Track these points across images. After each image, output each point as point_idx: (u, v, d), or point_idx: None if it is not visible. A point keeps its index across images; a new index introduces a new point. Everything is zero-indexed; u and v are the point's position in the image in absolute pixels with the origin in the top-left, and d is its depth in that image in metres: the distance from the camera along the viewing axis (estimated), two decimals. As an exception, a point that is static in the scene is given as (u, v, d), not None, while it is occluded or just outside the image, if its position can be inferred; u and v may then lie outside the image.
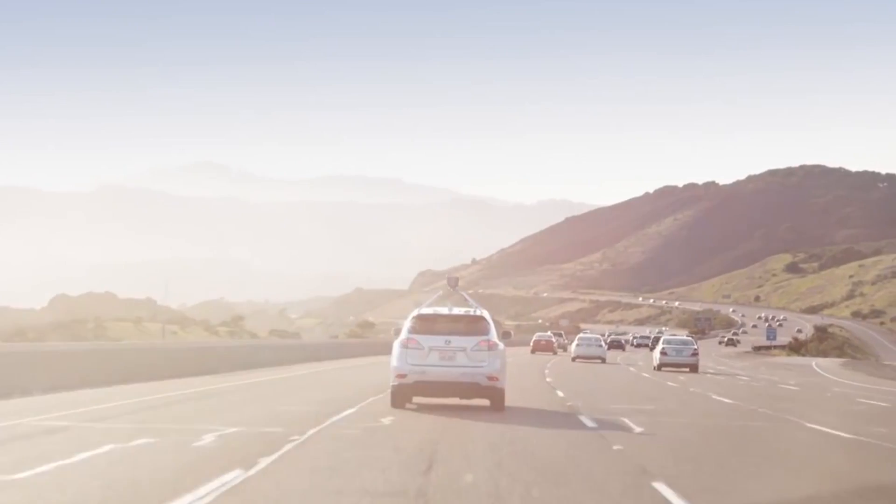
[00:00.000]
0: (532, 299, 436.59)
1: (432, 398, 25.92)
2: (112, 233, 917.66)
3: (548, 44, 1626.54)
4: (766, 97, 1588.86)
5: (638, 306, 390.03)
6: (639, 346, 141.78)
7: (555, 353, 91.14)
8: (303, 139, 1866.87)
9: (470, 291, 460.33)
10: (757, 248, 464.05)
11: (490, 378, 24.75)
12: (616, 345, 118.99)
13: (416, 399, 25.90)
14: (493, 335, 25.14)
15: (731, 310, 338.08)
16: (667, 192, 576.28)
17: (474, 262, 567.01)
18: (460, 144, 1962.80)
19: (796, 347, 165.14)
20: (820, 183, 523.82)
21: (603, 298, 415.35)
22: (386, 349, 37.32)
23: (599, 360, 72.42)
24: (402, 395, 25.22)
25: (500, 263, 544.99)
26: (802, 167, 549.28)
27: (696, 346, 63.14)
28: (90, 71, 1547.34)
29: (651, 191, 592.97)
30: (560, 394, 34.55)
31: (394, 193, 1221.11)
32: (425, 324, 25.15)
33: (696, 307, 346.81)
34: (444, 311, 25.83)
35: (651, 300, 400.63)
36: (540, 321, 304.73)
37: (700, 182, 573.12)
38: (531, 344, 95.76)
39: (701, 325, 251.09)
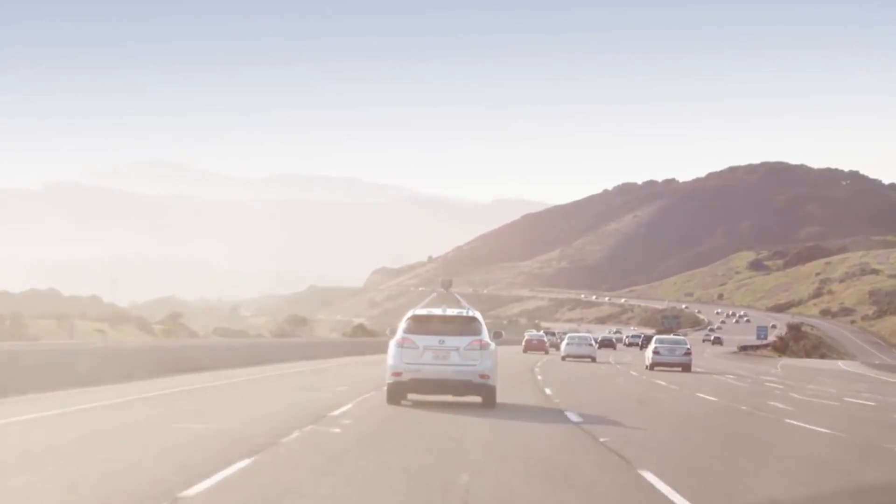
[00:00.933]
0: (489, 297, 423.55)
1: (427, 395, 26.54)
2: (63, 230, 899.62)
3: (504, 44, 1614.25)
4: (726, 94, 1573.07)
5: (598, 304, 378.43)
6: (630, 345, 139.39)
7: (546, 353, 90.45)
8: (261, 138, 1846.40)
9: (422, 289, 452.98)
10: (718, 245, 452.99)
11: (482, 376, 25.54)
12: (607, 343, 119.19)
13: (411, 396, 26.56)
14: (485, 335, 26.01)
15: (696, 309, 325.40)
16: (626, 189, 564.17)
17: (431, 259, 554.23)
18: (418, 144, 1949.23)
19: (781, 347, 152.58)
20: (782, 180, 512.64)
21: (562, 296, 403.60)
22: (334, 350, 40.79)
23: (589, 359, 71.76)
24: (397, 393, 25.97)
25: (456, 261, 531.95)
26: (764, 164, 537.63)
27: (688, 346, 62.01)
28: (43, 69, 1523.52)
29: (610, 188, 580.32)
30: (548, 391, 35.09)
31: (351, 192, 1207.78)
32: (420, 324, 25.96)
33: (659, 305, 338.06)
34: (438, 311, 26.65)
35: (609, 298, 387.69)
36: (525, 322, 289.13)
37: (660, 179, 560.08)
38: (523, 343, 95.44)
39: (668, 324, 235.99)
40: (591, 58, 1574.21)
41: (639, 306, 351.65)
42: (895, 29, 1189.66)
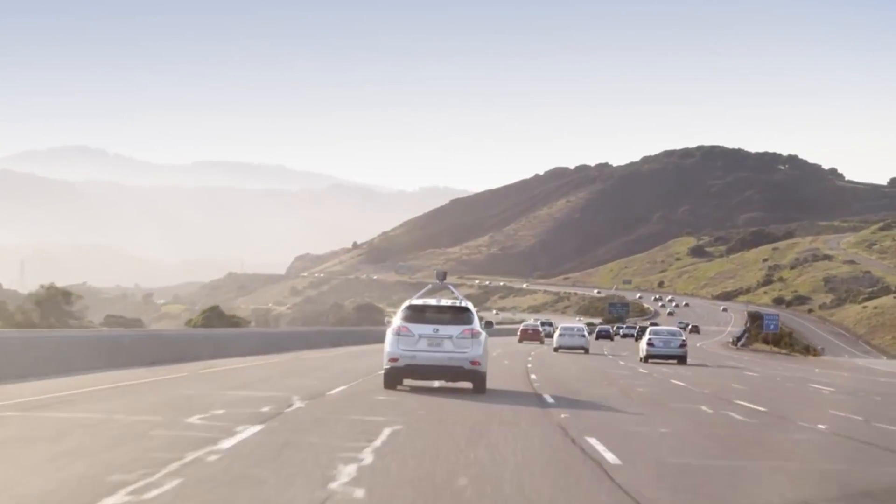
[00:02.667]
0: (415, 285, 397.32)
1: (421, 380, 27.70)
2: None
3: (430, 29, 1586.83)
4: (659, 78, 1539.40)
5: (532, 292, 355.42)
6: (625, 336, 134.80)
7: (541, 342, 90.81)
8: (185, 125, 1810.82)
9: (351, 277, 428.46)
10: (655, 231, 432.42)
11: (472, 363, 26.46)
12: (604, 335, 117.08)
13: (407, 381, 27.54)
14: (476, 325, 26.86)
15: (636, 296, 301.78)
16: (558, 174, 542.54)
17: (355, 245, 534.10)
18: (344, 133, 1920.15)
19: (774, 340, 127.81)
20: (718, 164, 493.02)
21: (492, 284, 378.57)
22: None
23: (582, 351, 70.92)
24: (394, 378, 26.83)
25: (382, 247, 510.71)
26: (700, 148, 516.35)
27: (684, 337, 60.91)
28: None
29: (541, 172, 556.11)
30: (533, 376, 37.45)
31: (275, 179, 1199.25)
32: (416, 313, 26.84)
33: (597, 293, 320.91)
34: (432, 302, 27.41)
35: (544, 286, 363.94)
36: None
37: (593, 164, 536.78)
38: (518, 333, 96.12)
39: (616, 312, 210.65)
40: (520, 42, 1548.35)
41: (575, 294, 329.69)
42: (833, 13, 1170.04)
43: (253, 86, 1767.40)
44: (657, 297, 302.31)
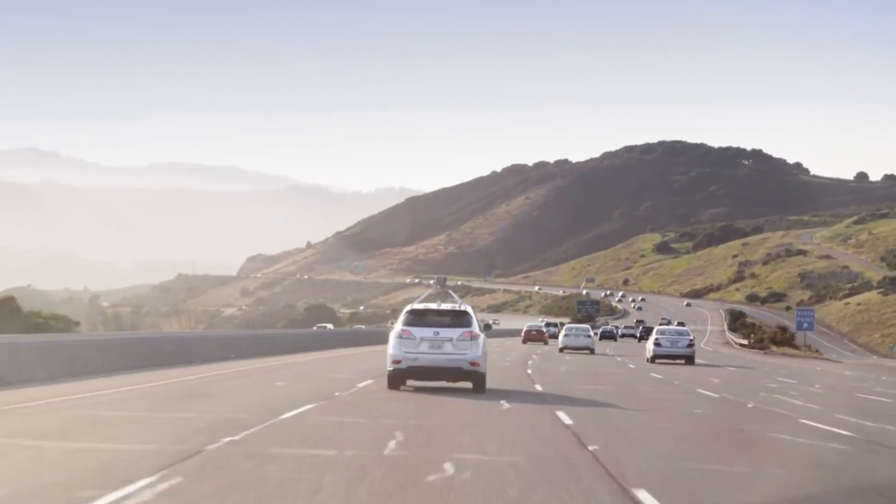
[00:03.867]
0: (371, 285, 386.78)
1: (423, 381, 28.18)
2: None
3: (382, 30, 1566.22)
4: (618, 73, 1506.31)
5: (492, 291, 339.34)
6: (623, 336, 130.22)
7: (546, 343, 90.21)
8: (138, 127, 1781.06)
9: (305, 277, 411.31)
10: (617, 228, 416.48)
11: (472, 364, 27.27)
12: (608, 335, 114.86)
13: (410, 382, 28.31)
14: (476, 327, 27.62)
15: (601, 294, 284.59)
16: (516, 171, 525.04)
17: (309, 245, 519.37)
18: (299, 134, 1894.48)
19: (784, 341, 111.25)
20: (681, 160, 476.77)
21: (450, 283, 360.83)
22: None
23: (588, 351, 69.58)
24: (397, 379, 27.60)
25: (337, 247, 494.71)
26: (661, 143, 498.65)
27: (691, 337, 60.13)
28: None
29: (499, 169, 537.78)
30: (530, 373, 39.44)
31: (229, 181, 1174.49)
32: (417, 317, 27.68)
33: (560, 292, 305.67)
34: (433, 306, 28.56)
35: (503, 285, 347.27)
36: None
37: (552, 160, 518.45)
38: (522, 334, 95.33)
39: (586, 311, 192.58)
40: (477, 37, 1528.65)
41: (537, 293, 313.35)
42: (795, 7, 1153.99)
43: (210, 88, 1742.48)
44: (607, 292, 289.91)
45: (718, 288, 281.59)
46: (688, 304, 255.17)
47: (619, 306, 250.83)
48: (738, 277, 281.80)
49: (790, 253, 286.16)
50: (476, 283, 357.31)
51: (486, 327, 30.10)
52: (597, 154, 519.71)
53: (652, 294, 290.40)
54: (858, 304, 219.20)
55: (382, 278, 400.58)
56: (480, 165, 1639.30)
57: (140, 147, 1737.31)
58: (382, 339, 32.03)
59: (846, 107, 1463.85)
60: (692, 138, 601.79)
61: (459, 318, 27.61)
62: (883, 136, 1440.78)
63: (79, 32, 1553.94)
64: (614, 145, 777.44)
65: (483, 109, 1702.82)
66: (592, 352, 69.88)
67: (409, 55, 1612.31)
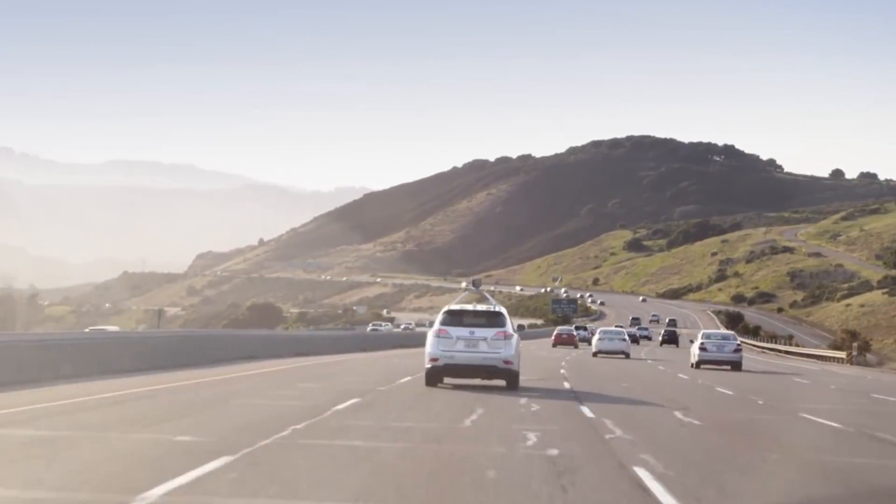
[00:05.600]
0: (325, 283, 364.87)
1: (459, 379, 29.23)
2: None
3: (340, 31, 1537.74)
4: (583, 66, 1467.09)
5: (452, 291, 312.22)
6: (636, 339, 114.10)
7: (576, 347, 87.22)
8: (95, 125, 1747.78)
9: (255, 275, 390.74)
10: (584, 225, 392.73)
11: (506, 362, 28.07)
12: (632, 339, 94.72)
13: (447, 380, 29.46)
14: (509, 327, 28.57)
15: (578, 294, 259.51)
16: (478, 166, 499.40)
17: (262, 242, 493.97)
18: (258, 133, 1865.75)
19: (841, 345, 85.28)
20: (650, 155, 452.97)
21: (408, 282, 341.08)
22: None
23: (623, 356, 66.02)
24: (434, 376, 28.74)
25: (290, 244, 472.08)
26: (629, 138, 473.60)
27: (738, 342, 57.09)
28: None
29: (460, 165, 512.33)
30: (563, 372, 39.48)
31: (186, 179, 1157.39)
32: (454, 317, 28.69)
33: (527, 292, 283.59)
34: (469, 307, 29.92)
35: (465, 284, 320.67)
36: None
37: (514, 155, 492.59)
38: (553, 337, 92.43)
39: (562, 311, 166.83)
40: (436, 34, 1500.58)
41: (500, 293, 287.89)
42: (763, 3, 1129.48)
43: (170, 87, 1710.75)
44: (564, 291, 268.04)
45: (699, 288, 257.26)
46: (643, 300, 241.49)
47: (594, 307, 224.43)
48: (721, 276, 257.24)
49: (776, 250, 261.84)
50: (435, 283, 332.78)
51: (520, 328, 38.26)
52: (562, 149, 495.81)
53: (611, 294, 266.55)
54: (862, 306, 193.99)
55: (337, 277, 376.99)
56: (442, 163, 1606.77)
57: (96, 145, 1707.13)
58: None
59: (819, 104, 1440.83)
60: (661, 133, 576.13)
61: (494, 319, 28.57)
62: (856, 134, 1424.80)
63: (37, 30, 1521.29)
64: (580, 140, 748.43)
65: (446, 106, 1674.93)
66: (628, 356, 66.19)
67: (369, 54, 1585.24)
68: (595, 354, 66.52)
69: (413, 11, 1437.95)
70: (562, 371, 39.39)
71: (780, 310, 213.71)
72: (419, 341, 77.47)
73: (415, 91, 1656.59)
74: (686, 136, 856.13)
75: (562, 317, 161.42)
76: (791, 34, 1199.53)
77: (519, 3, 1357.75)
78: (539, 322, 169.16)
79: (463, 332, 28.02)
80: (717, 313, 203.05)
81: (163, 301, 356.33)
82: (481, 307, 29.66)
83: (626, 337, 70.61)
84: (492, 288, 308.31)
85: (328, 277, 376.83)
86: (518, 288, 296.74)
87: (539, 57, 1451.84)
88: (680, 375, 43.90)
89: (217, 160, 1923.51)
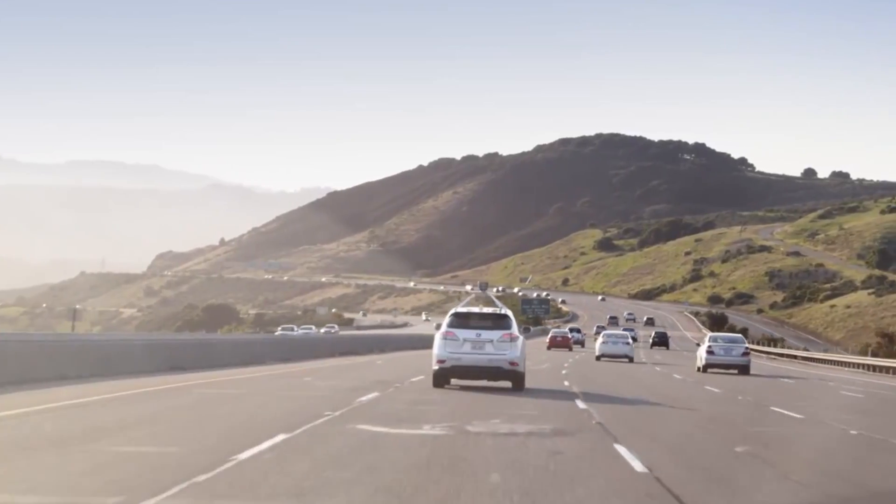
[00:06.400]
0: (286, 284, 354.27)
1: (465, 380, 29.25)
2: None
3: (307, 30, 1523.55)
4: (550, 62, 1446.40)
5: (416, 291, 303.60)
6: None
7: (570, 349, 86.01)
8: (58, 125, 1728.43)
9: (215, 276, 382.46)
10: (552, 224, 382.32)
11: (511, 364, 28.14)
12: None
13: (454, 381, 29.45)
14: (515, 329, 28.61)
15: (544, 293, 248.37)
16: (443, 165, 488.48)
17: (223, 242, 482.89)
18: (224, 134, 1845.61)
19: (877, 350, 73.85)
20: (619, 153, 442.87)
21: (371, 282, 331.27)
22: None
23: (626, 360, 64.30)
24: (442, 377, 28.77)
25: (252, 244, 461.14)
26: (598, 136, 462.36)
27: (746, 345, 55.66)
28: None
29: (425, 163, 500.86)
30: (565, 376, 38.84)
31: (150, 180, 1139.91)
32: (461, 320, 28.79)
33: (494, 293, 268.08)
34: (475, 309, 30.72)
35: (430, 285, 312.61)
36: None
37: (481, 154, 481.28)
38: (548, 340, 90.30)
39: (533, 312, 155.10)
40: (401, 31, 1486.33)
41: (466, 293, 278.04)
42: (734, 1, 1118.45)
43: (135, 86, 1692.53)
44: (517, 290, 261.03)
45: (673, 288, 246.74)
46: (602, 299, 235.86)
47: (568, 309, 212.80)
48: (695, 276, 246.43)
49: (752, 250, 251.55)
50: (400, 283, 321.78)
51: (526, 330, 32.95)
52: (529, 147, 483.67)
53: (573, 294, 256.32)
54: (847, 307, 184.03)
55: (299, 277, 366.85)
56: (407, 162, 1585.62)
57: (59, 145, 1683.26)
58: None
59: (790, 104, 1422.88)
60: (630, 131, 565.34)
61: (500, 321, 28.66)
62: (827, 134, 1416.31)
63: (1, 29, 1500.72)
64: (548, 138, 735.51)
65: (412, 105, 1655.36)
66: (631, 360, 65.20)
67: (336, 54, 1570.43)
68: (598, 358, 64.48)
69: (374, 10, 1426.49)
70: (566, 384, 34.73)
71: (759, 311, 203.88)
72: (367, 346, 65.96)
73: (381, 91, 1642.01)
74: (656, 134, 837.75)
75: (532, 318, 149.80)
76: (759, 34, 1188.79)
77: (484, 2, 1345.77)
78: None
79: (469, 334, 28.26)
80: (696, 314, 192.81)
81: (120, 302, 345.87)
82: (487, 310, 30.24)
83: (630, 341, 68.72)
84: (459, 288, 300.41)
85: (288, 278, 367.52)
86: (496, 289, 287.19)
87: (505, 54, 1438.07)
88: (709, 388, 37.19)
89: (182, 161, 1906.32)
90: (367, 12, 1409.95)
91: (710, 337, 56.36)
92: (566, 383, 34.59)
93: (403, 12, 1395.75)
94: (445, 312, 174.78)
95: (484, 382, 29.24)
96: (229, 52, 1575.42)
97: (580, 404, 24.73)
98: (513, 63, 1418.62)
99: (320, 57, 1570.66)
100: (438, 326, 30.58)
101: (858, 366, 74.38)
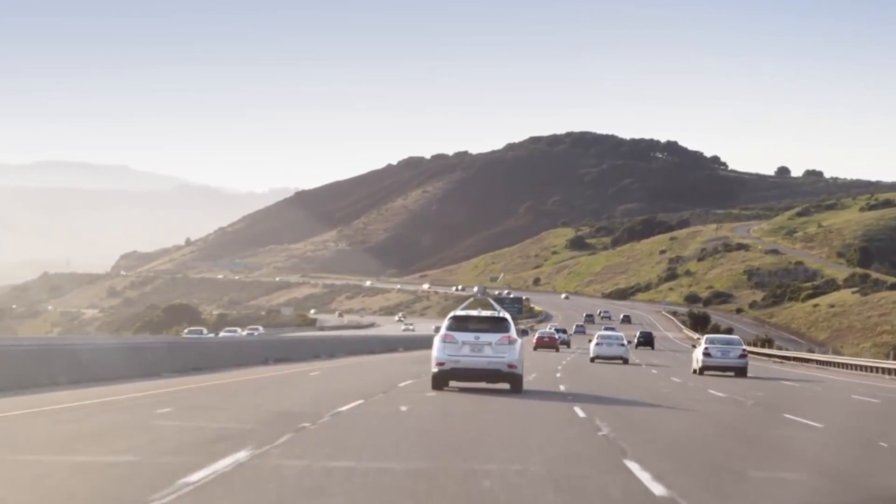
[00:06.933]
0: (252, 284, 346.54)
1: (464, 382, 29.14)
2: None
3: (273, 31, 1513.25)
4: (520, 60, 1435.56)
5: (385, 291, 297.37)
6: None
7: (557, 350, 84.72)
8: (26, 125, 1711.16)
9: (179, 276, 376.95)
10: (523, 224, 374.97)
11: (510, 366, 28.27)
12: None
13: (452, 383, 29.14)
14: (513, 332, 28.71)
15: (496, 292, 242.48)
16: (413, 164, 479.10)
17: (189, 242, 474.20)
18: (193, 135, 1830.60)
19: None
20: (591, 152, 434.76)
21: (339, 282, 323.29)
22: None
23: (621, 361, 62.97)
24: (441, 380, 28.79)
25: (218, 244, 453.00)
26: (569, 134, 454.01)
27: (744, 347, 53.65)
28: None
29: (395, 162, 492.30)
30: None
31: (118, 180, 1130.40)
32: (459, 323, 28.80)
33: (458, 289, 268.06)
34: (474, 313, 30.03)
35: (399, 284, 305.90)
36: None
37: (451, 153, 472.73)
38: (534, 340, 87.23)
39: (507, 311, 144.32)
40: (368, 29, 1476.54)
41: (436, 293, 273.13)
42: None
43: (104, 88, 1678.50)
44: (477, 288, 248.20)
45: (648, 287, 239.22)
46: (566, 297, 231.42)
47: (541, 308, 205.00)
48: (671, 275, 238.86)
49: (729, 248, 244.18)
50: (368, 283, 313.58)
51: (523, 333, 33.29)
52: (500, 145, 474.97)
53: (542, 293, 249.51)
54: (832, 307, 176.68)
55: (265, 277, 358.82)
56: (378, 162, 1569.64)
57: (27, 146, 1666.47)
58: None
59: (763, 103, 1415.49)
60: (601, 129, 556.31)
61: (498, 324, 28.69)
62: (799, 133, 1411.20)
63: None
64: (519, 136, 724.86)
65: (382, 105, 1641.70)
66: (626, 361, 63.00)
67: (305, 55, 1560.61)
68: (593, 360, 63.18)
69: (339, 9, 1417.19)
70: (561, 387, 33.34)
71: (738, 310, 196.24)
72: (312, 350, 56.58)
73: (352, 90, 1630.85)
74: (627, 132, 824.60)
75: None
76: (730, 33, 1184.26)
77: (452, 2, 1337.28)
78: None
79: (468, 336, 28.17)
80: (674, 314, 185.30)
81: (82, 303, 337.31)
82: (486, 313, 29.96)
83: (625, 342, 66.78)
84: (439, 290, 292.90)
85: (254, 278, 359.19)
86: (455, 288, 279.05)
87: (476, 54, 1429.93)
88: (712, 391, 35.47)
89: (152, 162, 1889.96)
90: (330, 11, 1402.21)
91: (707, 338, 55.34)
92: (562, 387, 33.16)
93: (370, 13, 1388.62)
94: (415, 312, 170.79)
95: (482, 384, 29.05)
96: (203, 54, 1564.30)
97: (579, 412, 23.45)
98: (483, 62, 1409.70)
99: (291, 58, 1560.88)
100: (437, 329, 30.66)
101: (862, 368, 69.97)
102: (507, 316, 29.57)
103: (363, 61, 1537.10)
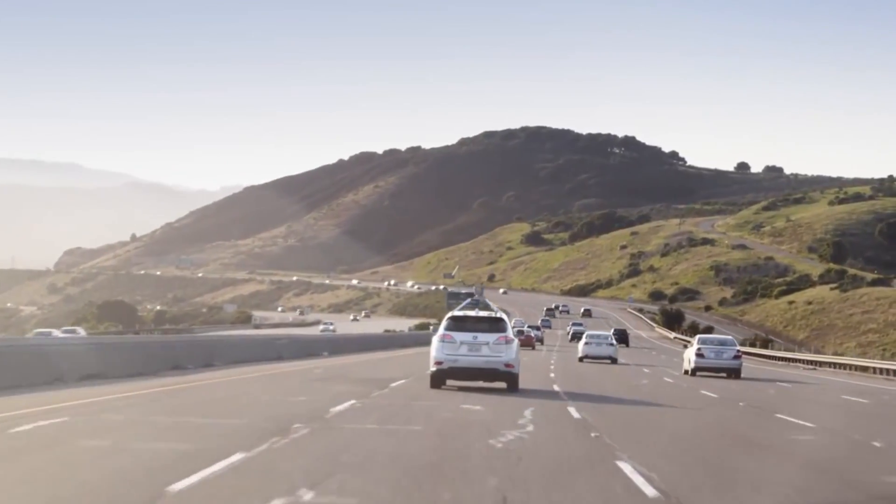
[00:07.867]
0: (198, 281, 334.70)
1: (462, 381, 29.01)
2: None
3: (225, 29, 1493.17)
4: (473, 54, 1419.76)
5: (334, 288, 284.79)
6: (573, 338, 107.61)
7: (533, 348, 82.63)
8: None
9: (123, 272, 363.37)
10: (477, 219, 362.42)
11: (507, 365, 28.30)
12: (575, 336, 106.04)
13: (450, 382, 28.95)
14: (510, 332, 28.72)
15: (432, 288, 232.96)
16: (365, 159, 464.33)
17: (134, 238, 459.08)
18: (145, 132, 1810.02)
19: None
20: (546, 146, 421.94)
21: (287, 279, 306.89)
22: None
23: (609, 361, 62.05)
24: (439, 378, 28.62)
25: (164, 240, 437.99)
26: (524, 129, 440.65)
27: (738, 347, 51.76)
28: None
29: (346, 157, 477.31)
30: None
31: (69, 178, 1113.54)
32: (457, 323, 28.67)
33: (415, 288, 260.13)
34: (472, 313, 29.90)
35: (348, 281, 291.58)
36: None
37: (403, 148, 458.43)
38: None
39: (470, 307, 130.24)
40: (318, 20, 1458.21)
41: (387, 290, 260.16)
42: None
43: (52, 85, 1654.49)
44: (412, 285, 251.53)
45: (609, 284, 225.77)
46: (504, 293, 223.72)
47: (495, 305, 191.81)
48: (634, 271, 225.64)
49: (694, 243, 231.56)
50: (317, 280, 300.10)
51: (519, 333, 31.66)
52: (453, 140, 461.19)
53: (489, 289, 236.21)
54: (809, 304, 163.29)
55: (212, 273, 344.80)
56: (330, 157, 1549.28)
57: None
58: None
59: (721, 99, 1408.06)
60: (557, 124, 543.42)
61: (495, 324, 28.68)
62: (758, 129, 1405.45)
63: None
64: (472, 131, 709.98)
65: (334, 100, 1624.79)
66: (615, 361, 61.90)
67: (254, 54, 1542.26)
68: (581, 359, 62.28)
69: (296, 9, 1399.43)
70: (555, 386, 32.17)
71: (707, 308, 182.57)
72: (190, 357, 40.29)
73: (305, 88, 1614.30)
74: (584, 127, 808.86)
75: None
76: (686, 30, 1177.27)
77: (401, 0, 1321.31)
78: (433, 322, 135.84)
79: (466, 336, 28.08)
80: (640, 310, 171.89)
81: (22, 299, 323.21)
82: (483, 313, 30.01)
83: (614, 342, 65.79)
84: (379, 284, 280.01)
85: (202, 274, 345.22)
86: (410, 284, 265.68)
87: (428, 48, 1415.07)
88: (704, 392, 33.85)
89: (104, 160, 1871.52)
90: (272, 9, 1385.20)
91: (700, 339, 53.75)
92: (556, 387, 32.39)
93: (320, 10, 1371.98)
94: (364, 309, 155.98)
95: (480, 384, 28.91)
96: (160, 55, 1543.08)
97: (574, 412, 22.48)
98: (436, 56, 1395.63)
99: (245, 58, 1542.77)
100: (436, 330, 30.33)
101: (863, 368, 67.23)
102: (504, 316, 29.57)
103: (315, 59, 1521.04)
